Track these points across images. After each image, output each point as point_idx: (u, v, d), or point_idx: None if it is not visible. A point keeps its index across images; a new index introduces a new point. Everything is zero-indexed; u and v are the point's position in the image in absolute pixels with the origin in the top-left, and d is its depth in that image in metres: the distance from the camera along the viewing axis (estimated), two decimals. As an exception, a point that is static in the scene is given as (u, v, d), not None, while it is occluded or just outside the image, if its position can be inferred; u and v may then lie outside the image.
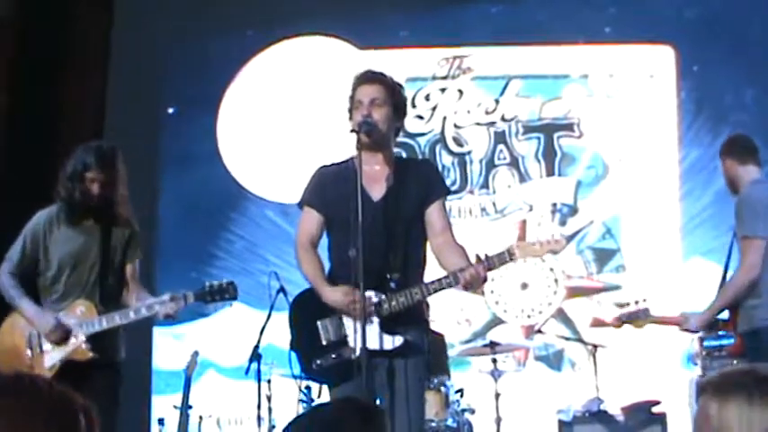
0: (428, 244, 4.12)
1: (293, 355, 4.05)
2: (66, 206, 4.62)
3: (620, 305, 5.39)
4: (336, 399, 3.80)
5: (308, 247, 4.09)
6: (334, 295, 3.92)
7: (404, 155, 4.33)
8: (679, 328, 5.23)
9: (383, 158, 4.09)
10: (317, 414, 2.17)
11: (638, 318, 5.27)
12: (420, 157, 7.77)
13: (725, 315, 5.29)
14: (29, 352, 4.59)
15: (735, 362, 5.17)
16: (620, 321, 5.32)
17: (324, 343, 3.96)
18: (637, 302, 5.38)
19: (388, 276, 3.88)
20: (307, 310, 4.01)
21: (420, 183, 4.10)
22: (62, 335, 4.51)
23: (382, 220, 3.98)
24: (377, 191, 4.06)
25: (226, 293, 4.55)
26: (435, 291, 3.91)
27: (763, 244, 4.98)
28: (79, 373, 4.43)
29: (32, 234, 4.65)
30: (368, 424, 2.01)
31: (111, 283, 4.69)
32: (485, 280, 3.88)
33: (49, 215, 4.67)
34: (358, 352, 3.80)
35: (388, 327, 3.86)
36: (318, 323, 3.97)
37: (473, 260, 3.87)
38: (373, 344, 3.78)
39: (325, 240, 4.19)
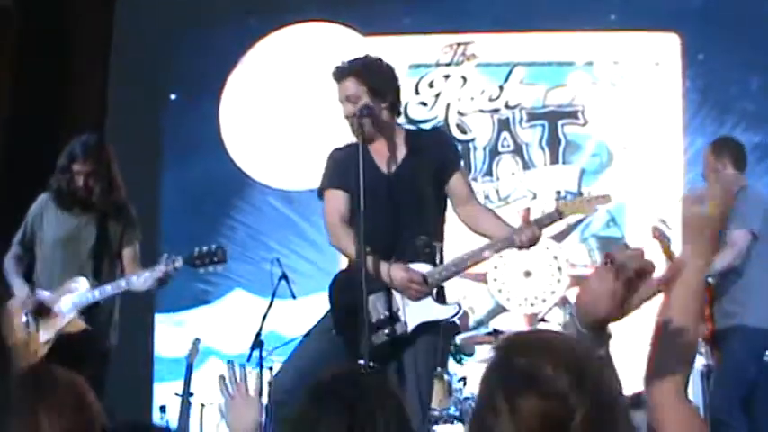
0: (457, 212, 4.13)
1: (339, 339, 3.93)
2: (56, 195, 4.83)
3: (663, 221, 5.68)
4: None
5: (343, 225, 4.00)
6: (395, 272, 3.85)
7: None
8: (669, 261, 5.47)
9: (388, 140, 4.10)
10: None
11: (666, 240, 5.41)
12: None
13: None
14: (25, 328, 4.75)
15: None
16: (656, 234, 5.49)
17: (374, 321, 3.86)
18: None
19: (418, 243, 3.87)
20: (347, 292, 3.88)
21: (436, 154, 4.11)
22: (35, 305, 4.68)
23: (396, 193, 4.00)
24: (392, 166, 4.07)
25: (215, 257, 4.59)
26: (487, 257, 3.91)
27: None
28: (69, 361, 4.49)
29: (31, 217, 4.92)
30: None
31: (106, 266, 4.85)
32: (539, 239, 3.86)
33: (44, 200, 4.91)
34: (411, 326, 3.82)
35: (439, 297, 3.86)
36: (370, 298, 3.83)
37: (515, 223, 3.96)
38: (428, 315, 3.80)
39: None
